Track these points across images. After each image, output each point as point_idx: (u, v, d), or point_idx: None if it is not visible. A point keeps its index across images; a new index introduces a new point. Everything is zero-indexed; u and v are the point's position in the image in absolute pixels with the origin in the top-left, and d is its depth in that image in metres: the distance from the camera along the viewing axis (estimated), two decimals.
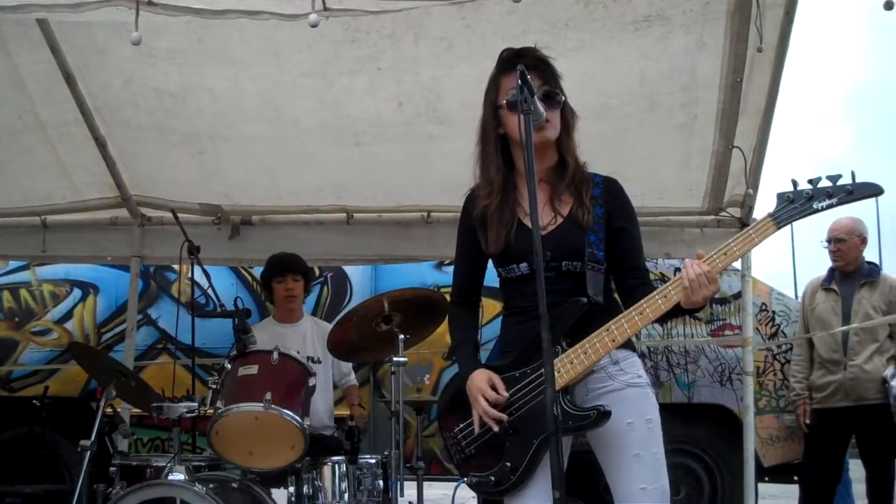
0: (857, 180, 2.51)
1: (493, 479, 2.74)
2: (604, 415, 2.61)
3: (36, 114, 4.75)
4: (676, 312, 2.65)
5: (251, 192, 5.35)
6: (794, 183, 2.54)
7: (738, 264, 5.15)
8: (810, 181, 2.52)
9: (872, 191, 2.53)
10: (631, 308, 2.66)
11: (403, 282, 6.20)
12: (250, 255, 5.59)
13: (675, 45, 3.98)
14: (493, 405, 2.71)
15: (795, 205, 2.53)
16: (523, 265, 2.80)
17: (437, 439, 5.55)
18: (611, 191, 2.89)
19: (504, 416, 2.71)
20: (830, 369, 5.60)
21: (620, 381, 2.75)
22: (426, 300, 4.44)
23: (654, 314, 2.63)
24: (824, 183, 2.51)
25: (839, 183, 2.50)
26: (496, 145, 2.88)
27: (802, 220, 2.56)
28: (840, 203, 2.52)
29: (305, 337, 5.13)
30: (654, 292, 2.63)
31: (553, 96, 2.80)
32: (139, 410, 5.03)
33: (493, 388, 2.73)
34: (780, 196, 2.55)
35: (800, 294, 6.29)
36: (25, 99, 4.65)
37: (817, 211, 2.52)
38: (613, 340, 2.65)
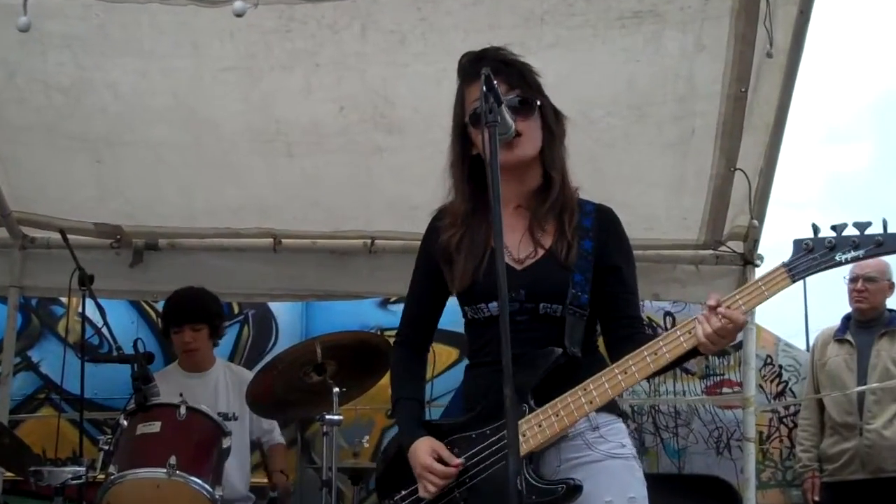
0: (890, 230, 2.50)
1: None
2: (574, 490, 2.59)
3: None
4: (669, 366, 2.65)
5: (158, 211, 5.30)
6: (815, 229, 2.53)
7: None
8: (834, 227, 2.51)
9: None
10: (614, 365, 2.62)
11: (340, 323, 6.20)
12: (155, 287, 5.53)
13: (669, 47, 4.02)
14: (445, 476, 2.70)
15: (815, 255, 2.51)
16: (492, 304, 2.75)
17: None
18: (604, 222, 2.86)
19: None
20: (844, 435, 5.61)
21: (600, 451, 2.72)
22: (367, 346, 4.43)
23: (640, 374, 2.60)
24: (850, 231, 2.50)
25: (868, 232, 2.49)
26: (463, 170, 2.85)
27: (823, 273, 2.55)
28: (867, 256, 2.52)
29: (217, 388, 5.07)
30: (643, 347, 2.60)
31: (526, 103, 2.75)
32: (13, 475, 4.93)
33: (440, 459, 2.71)
34: (798, 244, 2.53)
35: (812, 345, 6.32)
36: None
37: (840, 264, 2.52)
38: (591, 402, 2.62)
